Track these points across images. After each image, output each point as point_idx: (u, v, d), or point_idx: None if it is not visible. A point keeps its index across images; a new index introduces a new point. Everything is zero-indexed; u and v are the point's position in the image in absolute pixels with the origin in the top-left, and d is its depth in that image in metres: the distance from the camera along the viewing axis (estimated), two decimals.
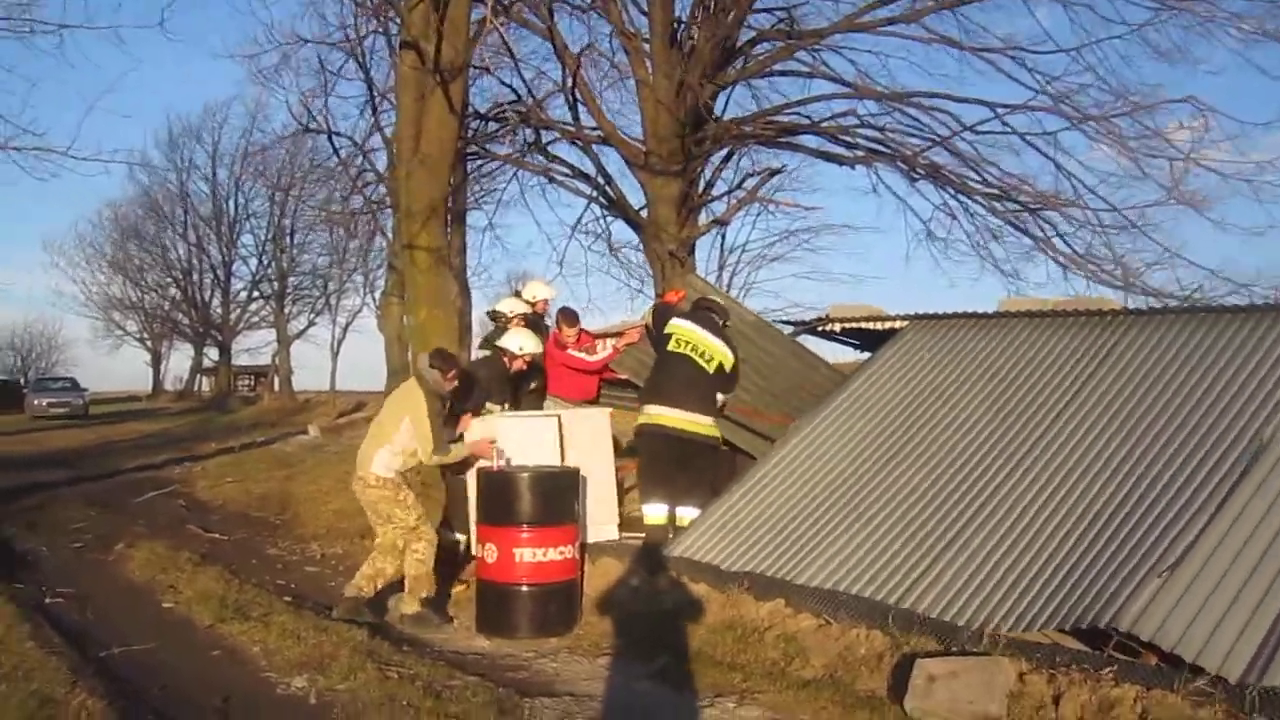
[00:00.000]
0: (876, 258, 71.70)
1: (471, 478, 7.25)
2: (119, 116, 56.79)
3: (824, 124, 13.92)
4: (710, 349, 7.66)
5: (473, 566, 7.31)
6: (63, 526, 10.95)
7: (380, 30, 16.61)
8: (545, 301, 9.98)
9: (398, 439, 6.91)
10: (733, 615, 6.12)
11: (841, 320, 9.63)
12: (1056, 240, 13.84)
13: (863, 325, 9.33)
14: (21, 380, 54.83)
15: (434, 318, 11.48)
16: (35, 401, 39.00)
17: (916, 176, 14.52)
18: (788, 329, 10.05)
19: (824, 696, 5.19)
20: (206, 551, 9.37)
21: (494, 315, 9.71)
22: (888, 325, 8.96)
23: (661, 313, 8.13)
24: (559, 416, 7.79)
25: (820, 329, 9.99)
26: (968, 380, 7.52)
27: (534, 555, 6.57)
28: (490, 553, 6.67)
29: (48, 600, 7.48)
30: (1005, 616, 5.26)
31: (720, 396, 7.82)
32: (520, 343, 8.19)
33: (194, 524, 11.17)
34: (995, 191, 14.04)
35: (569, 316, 9.22)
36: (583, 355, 8.93)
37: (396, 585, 7.11)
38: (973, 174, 14.06)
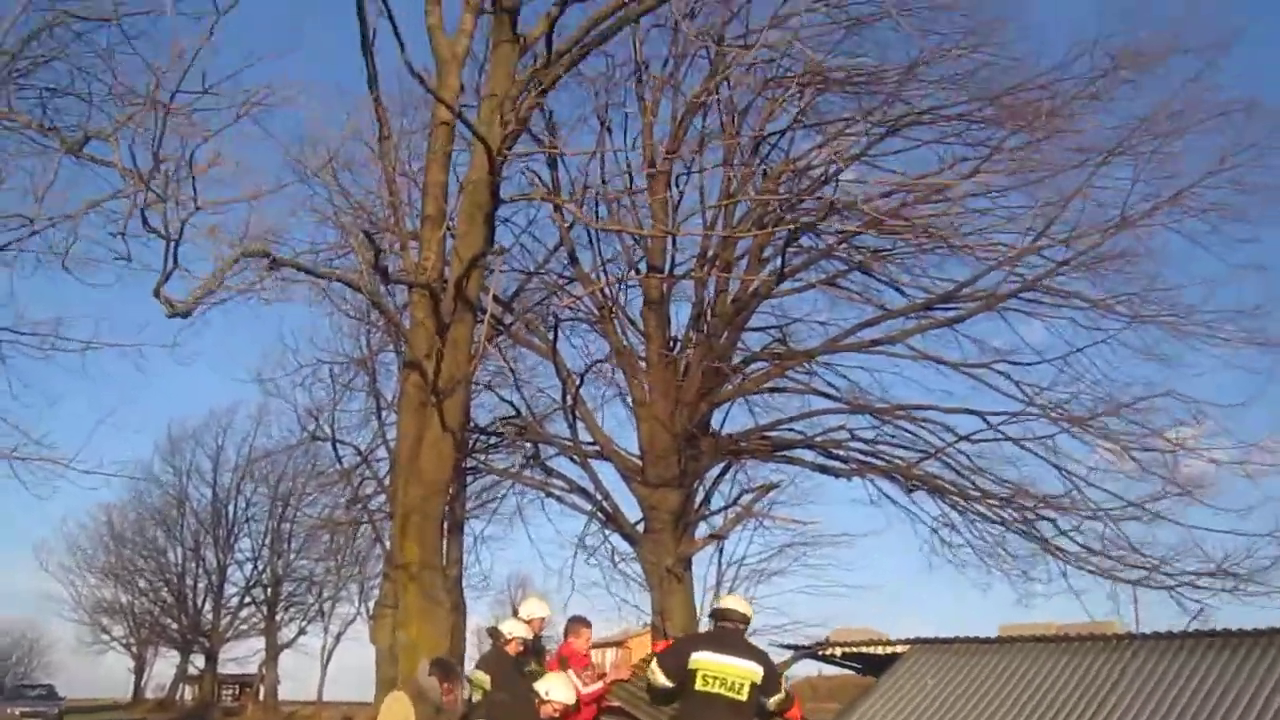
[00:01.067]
0: (882, 567, 70.91)
1: None
2: (128, 431, 57.83)
3: (818, 439, 14.21)
4: (738, 675, 7.39)
5: None
6: None
7: (394, 348, 17.29)
8: (541, 620, 9.79)
9: None
10: None
11: (842, 645, 9.48)
12: (1062, 540, 13.76)
13: (864, 650, 9.15)
14: None
15: (424, 634, 11.22)
16: (8, 710, 37.48)
17: (913, 488, 14.62)
18: (788, 654, 9.83)
19: None
20: None
21: (493, 633, 9.49)
22: (889, 650, 8.78)
23: (676, 652, 7.91)
24: None
25: (821, 654, 9.79)
26: (972, 706, 7.28)
27: None
28: None
29: None
30: None
31: (769, 701, 7.46)
32: (547, 688, 7.91)
33: None
34: (994, 500, 14.10)
35: (583, 623, 9.02)
36: (577, 683, 8.61)
37: None
38: (970, 483, 14.19)
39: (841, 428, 14.06)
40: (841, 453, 14.31)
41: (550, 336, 13.82)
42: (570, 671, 8.45)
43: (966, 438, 14.02)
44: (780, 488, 16.38)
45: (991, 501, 14.10)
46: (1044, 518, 13.99)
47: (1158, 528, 13.46)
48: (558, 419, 15.41)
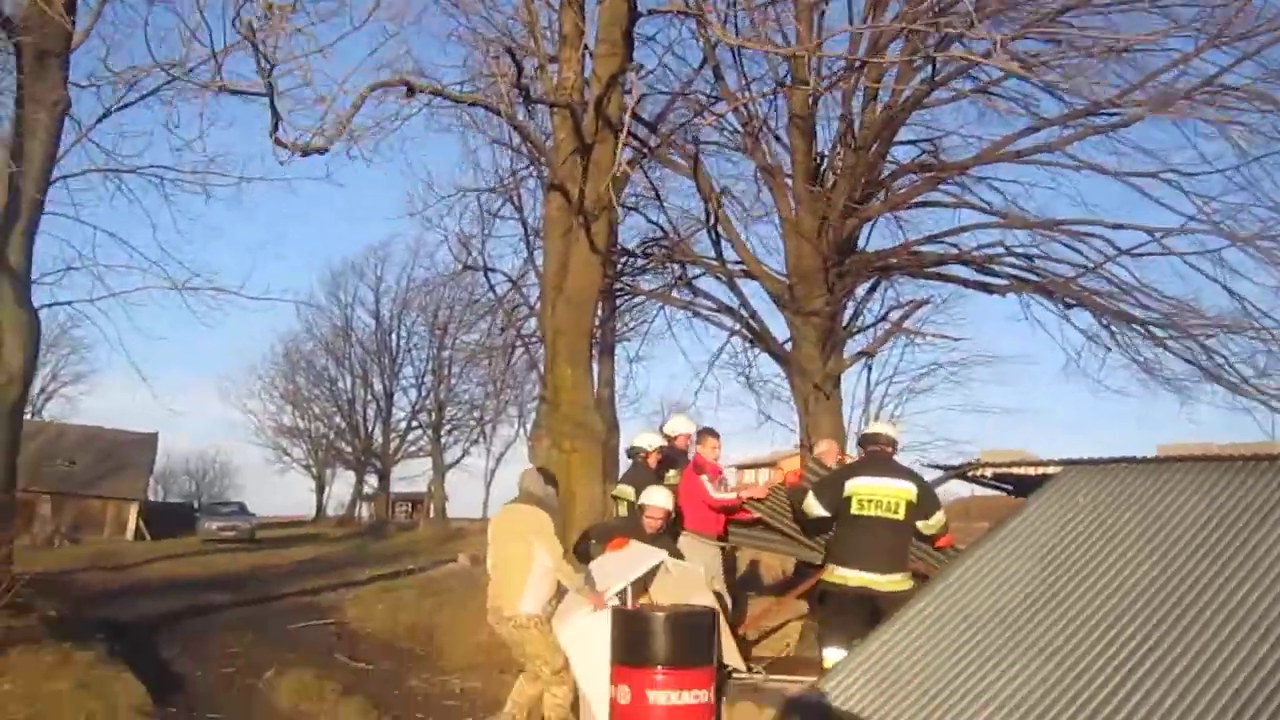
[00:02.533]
0: (1032, 386, 69.22)
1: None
2: (289, 263, 60.87)
3: (971, 253, 13.76)
4: (893, 495, 7.62)
5: None
6: (218, 650, 11.36)
7: (534, 174, 17.37)
8: (685, 436, 10.00)
9: (537, 567, 6.90)
10: None
11: (992, 465, 9.34)
12: (1227, 367, 13.18)
13: (1014, 471, 9.01)
14: (194, 505, 57.64)
15: (577, 450, 11.67)
16: (206, 525, 40.90)
17: (1070, 305, 14.15)
18: (937, 474, 9.77)
19: None
20: (351, 682, 9.49)
21: (632, 452, 9.77)
22: (1040, 471, 8.62)
23: (831, 483, 8.04)
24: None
25: (970, 475, 9.71)
26: (1126, 526, 7.13)
27: (668, 698, 6.43)
28: (624, 694, 6.56)
29: None
30: None
31: (926, 524, 7.75)
32: (645, 496, 8.14)
33: (342, 653, 11.39)
34: (1156, 317, 13.53)
35: (711, 433, 9.14)
36: (709, 487, 8.81)
37: None
38: (1132, 299, 13.62)
39: (999, 243, 13.57)
40: (995, 268, 13.87)
41: (693, 155, 13.59)
42: (704, 477, 8.65)
43: (1128, 252, 13.36)
44: (930, 304, 16.14)
45: (1152, 320, 13.51)
46: (1206, 338, 13.37)
47: None
48: (704, 240, 15.38)
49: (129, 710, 7.54)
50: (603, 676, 6.77)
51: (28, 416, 55.39)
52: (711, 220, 13.50)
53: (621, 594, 7.03)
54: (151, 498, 53.77)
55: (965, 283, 14.64)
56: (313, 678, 9.30)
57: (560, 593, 7.19)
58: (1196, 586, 6.26)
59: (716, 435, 9.04)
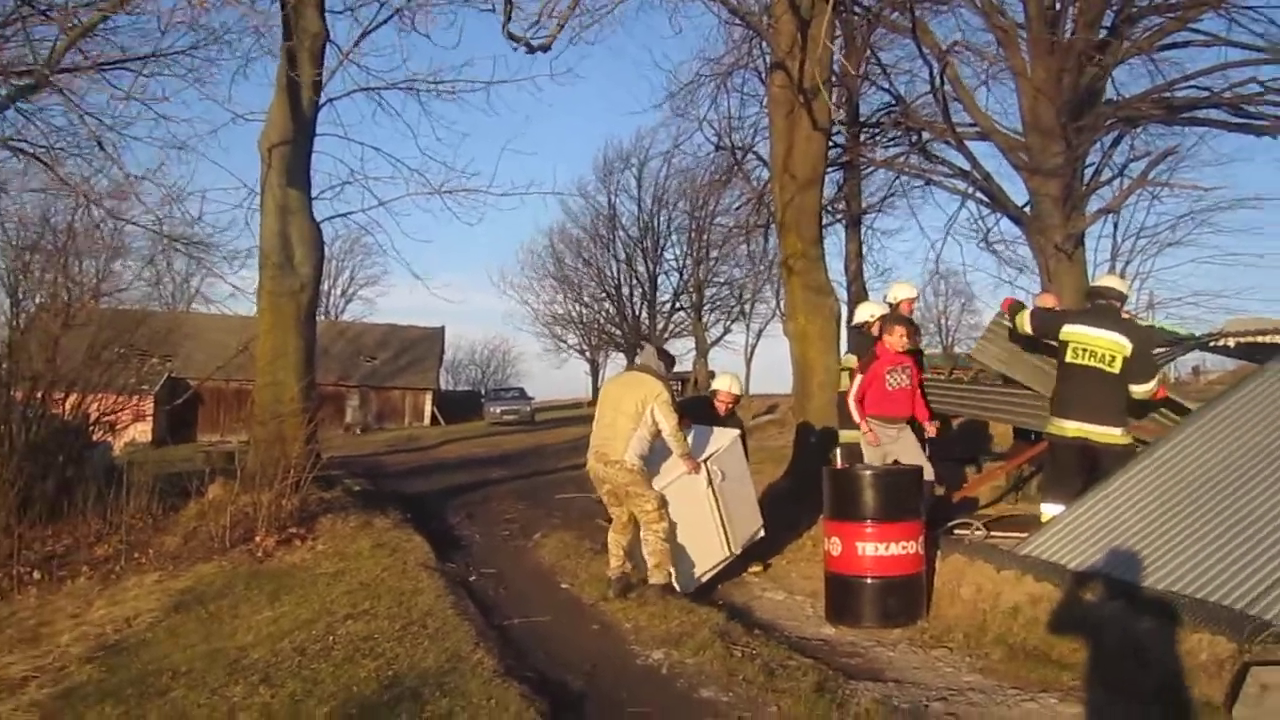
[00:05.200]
0: None
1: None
2: (527, 155, 63.55)
3: (1225, 95, 12.75)
4: (1108, 347, 7.63)
5: None
6: (495, 518, 12.73)
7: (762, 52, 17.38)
8: (910, 301, 10.12)
9: (644, 426, 7.53)
10: (1073, 615, 6.06)
11: (1236, 335, 8.95)
12: None
13: (1259, 339, 8.62)
14: (481, 391, 61.97)
15: (812, 323, 12.06)
16: (490, 409, 44.18)
17: None
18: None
19: (1154, 699, 5.10)
20: (605, 541, 10.47)
21: (856, 326, 10.04)
22: None
23: (1050, 318, 8.14)
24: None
25: (1212, 344, 9.34)
26: None
27: (876, 549, 6.89)
28: (835, 546, 7.08)
29: (472, 578, 8.90)
30: None
31: (1136, 388, 7.71)
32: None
33: (600, 518, 12.44)
34: None
35: (897, 322, 8.97)
36: (855, 384, 8.80)
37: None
38: None
39: (1251, 80, 12.48)
40: (1253, 108, 12.78)
41: (910, 12, 13.17)
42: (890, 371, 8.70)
43: None
44: (1180, 153, 15.09)
45: None
46: None
47: None
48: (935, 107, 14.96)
49: (417, 565, 8.74)
50: (691, 529, 7.92)
51: (333, 318, 60.92)
52: (938, 82, 13.16)
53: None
54: (443, 387, 58.35)
55: (1225, 126, 13.53)
56: (573, 538, 10.34)
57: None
58: None
59: (902, 322, 8.88)
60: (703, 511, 8.08)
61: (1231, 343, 9.10)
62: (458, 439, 32.23)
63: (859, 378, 8.68)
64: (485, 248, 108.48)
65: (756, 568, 8.94)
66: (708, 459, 8.13)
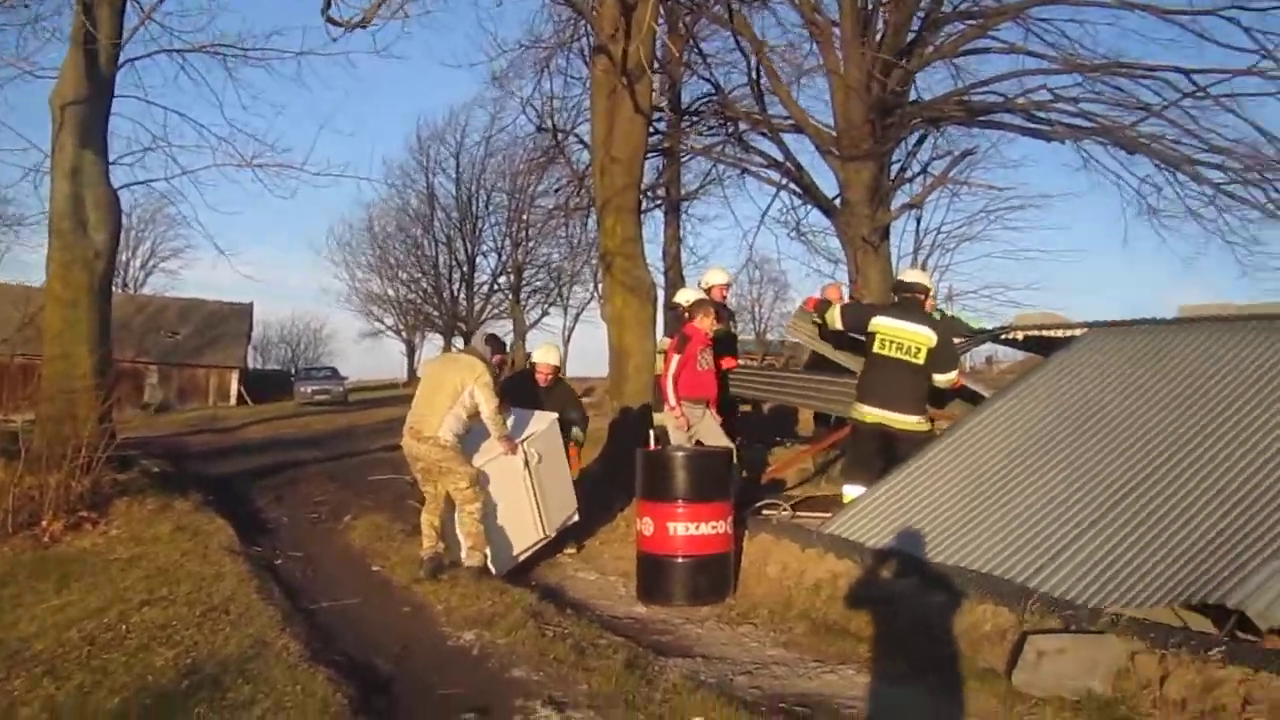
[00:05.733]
0: (1088, 226, 67.21)
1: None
2: (357, 136, 61.75)
3: (1019, 101, 13.56)
4: (913, 339, 8.04)
5: None
6: (305, 500, 12.33)
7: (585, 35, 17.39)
8: (722, 287, 10.38)
9: (460, 405, 7.54)
10: (871, 591, 6.35)
11: (1024, 328, 9.62)
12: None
13: (1044, 333, 9.27)
14: (292, 370, 59.96)
15: (629, 306, 12.13)
16: (301, 389, 42.74)
17: (1130, 151, 13.92)
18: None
19: (943, 668, 5.39)
20: (418, 523, 10.32)
21: (672, 306, 10.21)
22: (1068, 333, 8.89)
23: (858, 312, 8.60)
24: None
25: (1003, 337, 9.98)
26: (1137, 380, 7.47)
27: (687, 529, 7.03)
28: (648, 526, 7.19)
29: (278, 562, 8.59)
30: (1124, 595, 5.30)
31: (940, 377, 8.13)
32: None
33: (414, 500, 12.24)
34: (1214, 160, 13.31)
35: (708, 305, 9.19)
36: (671, 365, 8.95)
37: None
38: (1193, 144, 13.37)
39: (1042, 88, 13.32)
40: (1045, 115, 13.64)
41: (728, 6, 13.45)
42: (702, 352, 8.96)
43: (1191, 94, 13.05)
44: (978, 154, 16.01)
45: (1209, 165, 13.28)
46: (1269, 181, 13.13)
47: None
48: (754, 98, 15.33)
49: (219, 549, 8.37)
50: (507, 510, 7.97)
51: (132, 291, 57.56)
52: (755, 74, 13.49)
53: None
54: (251, 365, 56.13)
55: (1019, 130, 14.44)
56: (385, 520, 10.11)
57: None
58: (1190, 425, 6.60)
59: (712, 307, 9.14)
60: (518, 493, 8.08)
61: (1020, 336, 9.74)
62: (266, 419, 31.07)
63: (674, 359, 8.82)
64: (301, 222, 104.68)
65: (571, 549, 8.99)
66: (525, 440, 8.14)
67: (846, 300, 10.43)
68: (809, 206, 15.50)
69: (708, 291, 9.98)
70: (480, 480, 7.65)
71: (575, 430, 9.53)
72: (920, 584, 6.15)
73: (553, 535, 8.46)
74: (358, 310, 59.77)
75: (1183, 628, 5.01)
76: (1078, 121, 13.58)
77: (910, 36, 13.54)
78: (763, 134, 14.77)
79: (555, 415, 8.82)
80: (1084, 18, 13.84)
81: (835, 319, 8.66)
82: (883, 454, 8.09)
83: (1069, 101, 13.38)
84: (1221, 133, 13.37)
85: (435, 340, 59.86)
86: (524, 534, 8.12)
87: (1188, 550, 5.43)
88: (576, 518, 8.76)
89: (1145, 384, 7.37)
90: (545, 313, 53.19)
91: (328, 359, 70.30)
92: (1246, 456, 6.04)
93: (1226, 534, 5.41)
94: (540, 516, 8.21)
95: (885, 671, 5.48)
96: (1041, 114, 13.68)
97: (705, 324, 8.89)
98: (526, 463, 8.11)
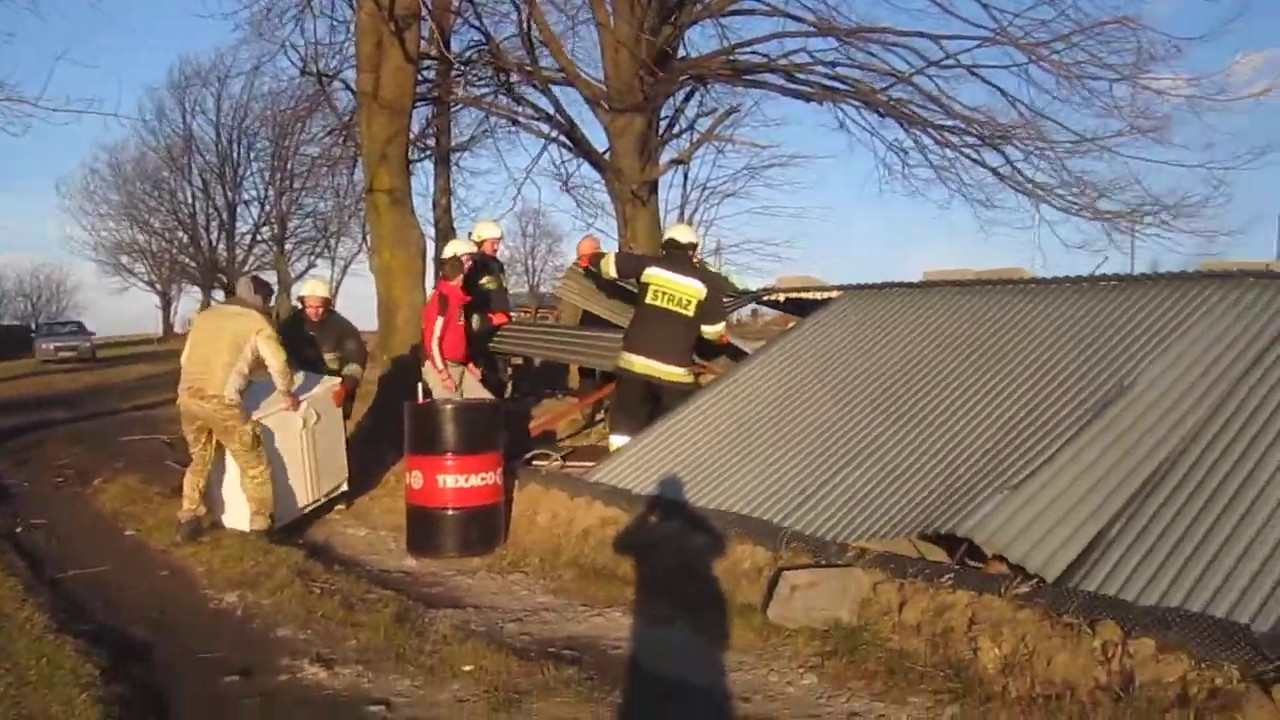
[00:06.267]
0: (843, 187, 71.01)
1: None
2: (86, 67, 56.81)
3: (780, 62, 14.07)
4: (685, 291, 8.27)
5: None
6: (49, 463, 11.54)
7: None
8: (494, 241, 10.36)
9: (243, 360, 7.30)
10: (637, 536, 6.57)
11: (785, 291, 10.14)
12: (1015, 169, 14.16)
13: (803, 295, 9.77)
14: (31, 325, 55.45)
15: (396, 258, 11.91)
16: (43, 345, 39.53)
17: (882, 113, 14.72)
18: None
19: (705, 606, 5.65)
20: (177, 485, 9.87)
21: (440, 262, 10.11)
22: (825, 295, 9.43)
23: (632, 261, 8.77)
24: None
25: (765, 299, 10.45)
26: (884, 338, 8.06)
27: (457, 481, 7.05)
28: (417, 479, 7.16)
29: (18, 530, 8.05)
30: (869, 530, 5.70)
31: (709, 329, 8.42)
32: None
33: (172, 460, 11.67)
34: (956, 125, 14.26)
35: (450, 265, 9.26)
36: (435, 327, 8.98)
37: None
38: (936, 109, 14.27)
39: (802, 50, 13.92)
40: (805, 76, 14.24)
41: None
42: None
43: (937, 63, 13.90)
44: (742, 112, 16.55)
45: (954, 125, 14.23)
46: (1001, 148, 14.24)
47: (1114, 163, 13.94)
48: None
49: None
50: (281, 469, 7.72)
51: None
52: (526, 25, 13.42)
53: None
54: None
55: (781, 90, 14.99)
56: (139, 483, 9.62)
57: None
58: (927, 377, 7.15)
59: (462, 266, 9.18)
60: (294, 452, 7.90)
61: (781, 298, 10.25)
62: (3, 378, 28.73)
63: (438, 320, 8.79)
64: (40, 163, 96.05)
65: (340, 505, 8.83)
66: (305, 400, 7.98)
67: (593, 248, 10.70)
68: (579, 160, 15.59)
69: (479, 245, 9.95)
70: (261, 437, 7.40)
71: (352, 366, 9.22)
72: (684, 527, 6.41)
73: (321, 501, 8.32)
74: (104, 261, 55.78)
75: (919, 558, 5.46)
76: (834, 84, 14.25)
77: None
78: (533, 85, 14.71)
79: (337, 381, 8.64)
80: None
81: (609, 266, 8.81)
82: (648, 404, 8.34)
83: (826, 64, 14.02)
84: (963, 99, 14.41)
85: (194, 293, 56.79)
86: (296, 495, 7.93)
87: (925, 487, 5.89)
88: (345, 488, 8.62)
89: (892, 342, 7.93)
90: (312, 264, 51.09)
91: (73, 313, 65.24)
92: (977, 405, 6.59)
93: (959, 473, 5.90)
94: (312, 480, 8.04)
95: (650, 612, 5.70)
96: (801, 75, 14.26)
97: (459, 281, 9.01)
98: (306, 422, 7.91)
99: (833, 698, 4.49)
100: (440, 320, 8.79)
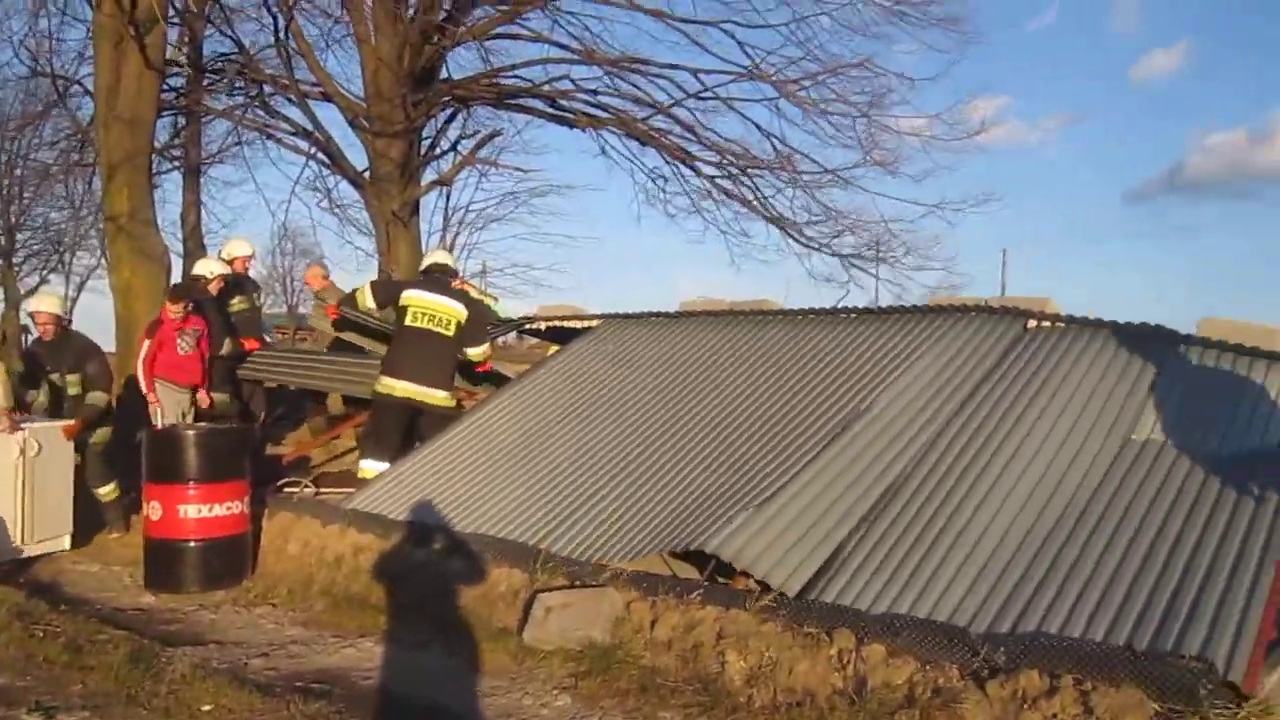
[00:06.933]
0: (604, 217, 72.82)
1: None
2: None
3: (543, 88, 14.20)
4: (445, 312, 8.22)
5: None
6: None
7: None
8: (244, 259, 9.97)
9: None
10: (393, 563, 6.43)
11: (545, 319, 10.27)
12: (761, 203, 14.85)
13: (565, 324, 9.91)
14: None
15: (138, 275, 11.30)
16: None
17: (642, 142, 15.08)
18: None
19: (460, 631, 5.59)
20: None
21: (195, 279, 9.62)
22: (586, 324, 9.59)
23: (389, 288, 8.62)
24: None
25: (527, 327, 10.53)
26: (640, 365, 8.30)
27: (199, 511, 6.69)
28: (155, 511, 6.75)
29: None
30: (624, 548, 5.81)
31: (472, 350, 8.41)
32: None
33: None
34: (711, 158, 14.81)
35: (178, 295, 8.89)
36: (143, 349, 8.74)
37: None
38: (694, 139, 14.76)
39: (565, 77, 14.10)
40: (567, 103, 14.43)
41: None
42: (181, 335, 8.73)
43: (696, 95, 14.41)
44: (505, 136, 16.56)
45: (709, 157, 14.79)
46: (754, 180, 14.93)
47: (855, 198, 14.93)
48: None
49: None
50: (2, 498, 7.21)
51: None
52: (283, 35, 12.98)
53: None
54: None
55: (545, 116, 15.13)
56: None
57: None
58: (682, 401, 7.40)
59: (181, 298, 8.79)
60: (6, 483, 7.25)
61: (542, 326, 10.35)
62: None
63: (146, 342, 8.50)
64: None
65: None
66: (29, 428, 7.38)
67: (333, 283, 10.64)
68: (338, 178, 15.16)
69: (230, 263, 9.55)
70: None
71: (95, 395, 8.11)
72: (441, 552, 6.33)
73: (34, 553, 7.51)
74: None
75: (671, 576, 5.60)
76: (596, 112, 14.50)
77: (443, 15, 13.62)
78: (290, 99, 14.21)
79: (70, 422, 7.86)
80: (604, 15, 14.78)
81: (366, 298, 8.59)
82: (405, 429, 8.20)
83: (589, 92, 14.26)
84: (719, 131, 15.00)
85: None
86: (6, 532, 7.26)
87: (678, 507, 6.06)
88: (67, 545, 7.81)
89: (649, 369, 8.18)
90: (44, 280, 47.36)
91: None
92: (727, 428, 6.86)
93: (709, 492, 6.11)
94: (27, 521, 7.37)
95: (405, 639, 5.59)
96: (564, 102, 14.44)
97: (173, 309, 8.65)
98: (24, 451, 7.28)
99: (586, 718, 4.53)
100: (147, 344, 8.52)
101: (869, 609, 4.75)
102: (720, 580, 5.52)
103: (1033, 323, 7.25)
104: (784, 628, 4.82)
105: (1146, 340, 6.68)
